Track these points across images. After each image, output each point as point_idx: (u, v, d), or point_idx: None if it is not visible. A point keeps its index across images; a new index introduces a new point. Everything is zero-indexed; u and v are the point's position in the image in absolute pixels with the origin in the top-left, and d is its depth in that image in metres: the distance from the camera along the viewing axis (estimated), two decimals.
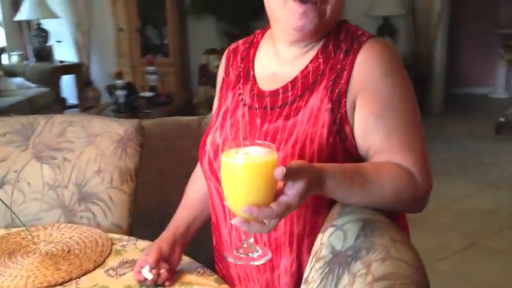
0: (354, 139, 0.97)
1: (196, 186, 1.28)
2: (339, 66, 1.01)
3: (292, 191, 0.79)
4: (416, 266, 0.71)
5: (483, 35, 6.96)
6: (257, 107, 1.07)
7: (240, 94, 1.12)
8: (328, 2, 1.00)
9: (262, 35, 1.19)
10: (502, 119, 5.15)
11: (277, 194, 0.79)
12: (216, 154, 1.08)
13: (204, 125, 2.28)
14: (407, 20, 5.97)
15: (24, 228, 1.39)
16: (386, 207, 0.91)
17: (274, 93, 1.06)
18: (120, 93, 4.13)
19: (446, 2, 5.93)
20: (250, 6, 5.91)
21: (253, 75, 1.13)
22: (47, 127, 1.64)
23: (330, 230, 0.90)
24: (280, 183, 0.80)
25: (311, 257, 0.91)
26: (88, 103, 6.48)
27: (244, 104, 1.10)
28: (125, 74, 5.97)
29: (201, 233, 1.28)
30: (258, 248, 0.84)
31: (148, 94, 4.53)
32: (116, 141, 1.59)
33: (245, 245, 0.84)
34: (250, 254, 0.84)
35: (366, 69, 0.98)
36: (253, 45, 1.19)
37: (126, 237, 1.45)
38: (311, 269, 0.92)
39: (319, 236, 0.93)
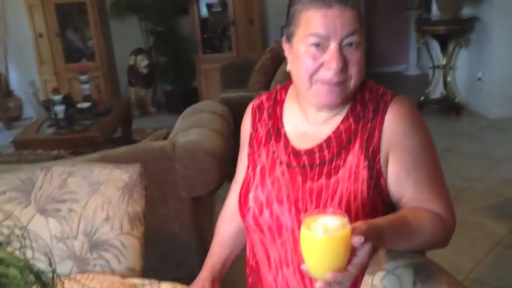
0: (387, 188, 1.11)
1: (228, 225, 1.38)
2: (369, 125, 1.13)
3: (362, 252, 0.91)
4: None
5: (394, 17, 7.41)
6: (295, 165, 1.17)
7: (274, 152, 1.21)
8: (353, 77, 1.10)
9: (285, 91, 1.28)
10: (422, 98, 5.56)
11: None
12: (260, 210, 1.18)
13: (171, 146, 2.35)
14: None
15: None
16: (425, 248, 1.07)
17: (310, 152, 1.17)
18: (59, 109, 4.03)
19: None
20: (173, 3, 5.89)
21: (285, 133, 1.22)
22: (46, 180, 1.65)
23: (381, 274, 1.04)
24: None
25: None
26: (10, 113, 6.20)
27: (281, 162, 1.19)
28: (48, 81, 5.77)
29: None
30: None
31: (85, 105, 4.44)
32: (121, 188, 1.63)
33: None
34: None
35: (395, 127, 1.11)
36: (279, 103, 1.27)
37: (146, 280, 1.51)
38: None
39: (367, 278, 1.07)
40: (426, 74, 7.45)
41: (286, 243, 1.17)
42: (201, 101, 3.44)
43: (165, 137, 3.03)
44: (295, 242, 1.14)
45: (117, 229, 1.62)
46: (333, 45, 1.07)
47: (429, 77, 5.79)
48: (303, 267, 0.94)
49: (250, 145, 1.29)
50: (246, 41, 6.14)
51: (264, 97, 1.32)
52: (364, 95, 1.17)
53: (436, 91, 5.70)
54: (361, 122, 1.14)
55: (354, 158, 1.12)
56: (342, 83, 1.10)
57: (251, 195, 1.21)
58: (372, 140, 1.12)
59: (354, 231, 0.89)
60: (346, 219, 0.91)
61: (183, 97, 6.13)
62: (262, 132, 1.27)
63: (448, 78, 5.41)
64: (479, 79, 5.15)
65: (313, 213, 0.94)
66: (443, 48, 5.35)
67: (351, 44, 1.08)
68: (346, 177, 1.11)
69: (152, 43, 6.13)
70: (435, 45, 5.48)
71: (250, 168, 1.26)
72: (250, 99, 4.30)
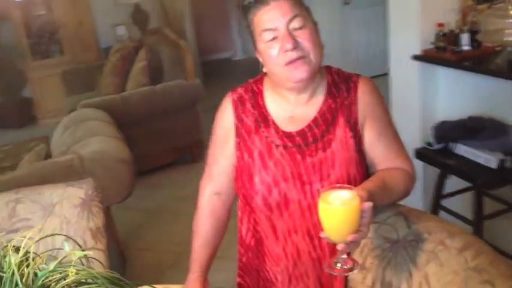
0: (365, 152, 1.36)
1: (208, 224, 1.49)
2: (346, 102, 1.35)
3: (368, 213, 1.11)
4: (469, 233, 1.16)
5: (214, 5, 7.76)
6: (291, 145, 1.34)
7: (267, 137, 1.35)
8: (310, 52, 1.29)
9: (261, 83, 1.42)
10: None
11: None
12: (269, 190, 1.32)
13: (79, 159, 2.31)
14: (155, 3, 6.26)
15: None
16: (398, 200, 1.34)
17: (301, 133, 1.34)
18: None
19: None
20: None
21: (272, 120, 1.37)
22: None
23: (374, 226, 1.28)
24: None
25: (344, 253, 1.16)
26: None
27: (277, 145, 1.34)
28: None
29: None
30: (351, 259, 1.16)
31: None
32: (79, 205, 1.62)
33: (341, 260, 1.13)
34: (345, 266, 1.14)
35: (366, 100, 1.36)
36: (258, 94, 1.41)
37: None
38: (364, 258, 1.29)
39: None
40: (252, 58, 7.94)
41: (293, 214, 1.33)
42: (78, 110, 3.30)
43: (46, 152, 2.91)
44: (302, 211, 1.32)
45: (81, 246, 1.61)
46: (281, 32, 1.27)
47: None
48: (323, 235, 1.12)
49: (239, 135, 1.40)
50: (78, 44, 5.91)
51: (241, 90, 1.44)
52: (334, 78, 1.39)
53: None
54: (339, 100, 1.36)
55: (341, 131, 1.34)
56: (301, 57, 1.26)
57: (257, 179, 1.34)
58: (352, 114, 1.35)
59: (361, 199, 1.10)
60: (355, 191, 1.11)
61: (15, 109, 5.70)
62: (249, 121, 1.39)
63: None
64: None
65: (325, 189, 1.13)
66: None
67: (299, 28, 1.29)
68: (339, 147, 1.33)
69: None
70: None
71: (246, 156, 1.37)
72: (114, 102, 4.30)
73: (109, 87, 4.47)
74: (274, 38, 1.27)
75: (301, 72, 1.28)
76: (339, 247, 1.10)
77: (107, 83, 4.50)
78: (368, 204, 1.10)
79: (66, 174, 2.29)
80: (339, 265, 1.13)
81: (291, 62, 1.27)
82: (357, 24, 5.88)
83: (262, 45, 1.30)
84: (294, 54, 1.26)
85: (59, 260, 0.81)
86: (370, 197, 1.13)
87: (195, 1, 7.23)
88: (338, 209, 1.07)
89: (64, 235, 1.23)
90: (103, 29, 6.15)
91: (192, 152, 4.35)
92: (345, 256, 1.13)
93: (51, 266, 0.81)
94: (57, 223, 1.59)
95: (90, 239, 1.62)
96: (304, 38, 1.27)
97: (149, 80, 4.19)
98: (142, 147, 3.65)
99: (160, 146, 4.13)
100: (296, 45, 1.26)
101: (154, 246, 3.22)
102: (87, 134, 2.61)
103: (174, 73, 4.31)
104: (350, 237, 1.07)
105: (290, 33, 1.26)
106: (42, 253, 0.90)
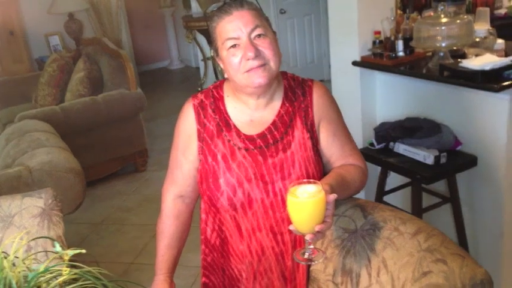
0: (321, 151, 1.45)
1: (173, 226, 1.54)
2: (303, 105, 1.44)
3: (331, 205, 1.20)
4: (419, 218, 1.28)
5: (150, 15, 7.73)
6: (253, 148, 1.40)
7: (229, 140, 1.41)
8: (270, 59, 1.37)
9: (221, 89, 1.48)
10: (199, 88, 6.05)
11: None
12: (233, 191, 1.38)
13: (27, 171, 2.28)
14: (89, 13, 6.17)
15: None
16: (354, 194, 1.44)
17: (262, 135, 1.41)
18: None
19: None
20: None
21: (234, 124, 1.43)
22: None
23: (333, 218, 1.37)
24: None
25: (311, 243, 1.24)
26: None
27: (239, 148, 1.41)
28: None
29: None
30: (317, 250, 1.24)
31: None
32: (38, 215, 1.61)
33: (308, 250, 1.22)
34: (312, 255, 1.22)
35: (321, 103, 1.45)
36: (219, 99, 1.47)
37: None
38: (325, 249, 1.38)
39: None
40: (189, 67, 8.04)
41: (257, 212, 1.40)
42: (19, 122, 3.21)
43: None
44: (265, 209, 1.40)
45: (42, 256, 1.60)
46: (244, 41, 1.35)
47: (201, 68, 6.27)
48: (291, 227, 1.20)
49: (201, 139, 1.45)
50: (9, 54, 5.71)
51: (201, 96, 1.49)
52: (290, 83, 1.48)
53: (209, 80, 6.24)
54: (296, 104, 1.45)
55: (300, 132, 1.42)
56: (262, 65, 1.33)
57: (221, 181, 1.40)
58: (308, 116, 1.44)
59: (326, 192, 1.19)
60: (320, 185, 1.19)
61: None
62: (211, 126, 1.45)
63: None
64: None
65: (293, 184, 1.20)
66: (210, 41, 5.88)
67: (259, 36, 1.36)
68: (298, 148, 1.41)
69: None
70: (202, 39, 5.98)
71: (210, 159, 1.42)
72: (54, 113, 4.22)
73: (46, 98, 4.36)
74: (235, 45, 1.34)
75: (260, 78, 1.35)
76: (307, 237, 1.18)
77: (44, 94, 4.38)
78: (332, 196, 1.19)
79: (13, 187, 2.24)
80: (306, 255, 1.21)
81: (251, 69, 1.34)
82: (292, 32, 6.08)
83: (224, 53, 1.36)
84: (255, 63, 1.33)
85: (49, 259, 0.84)
86: (332, 190, 1.23)
87: (131, 11, 7.19)
88: (306, 202, 1.16)
89: (50, 238, 1.23)
90: (35, 39, 5.98)
91: (136, 162, 4.33)
92: (312, 246, 1.21)
93: (42, 267, 0.83)
94: (17, 234, 1.57)
95: (51, 248, 1.61)
96: (264, 47, 1.35)
97: (89, 90, 4.13)
98: (84, 158, 3.58)
99: (103, 157, 4.09)
100: (257, 54, 1.33)
101: (102, 258, 3.17)
102: (32, 145, 2.56)
103: (114, 83, 4.27)
104: (317, 227, 1.16)
105: (252, 42, 1.33)
106: (28, 256, 0.92)
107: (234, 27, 1.34)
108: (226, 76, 1.42)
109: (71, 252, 0.86)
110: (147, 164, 4.39)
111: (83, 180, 2.40)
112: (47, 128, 2.95)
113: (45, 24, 5.93)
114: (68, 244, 3.42)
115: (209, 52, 5.99)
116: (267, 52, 1.35)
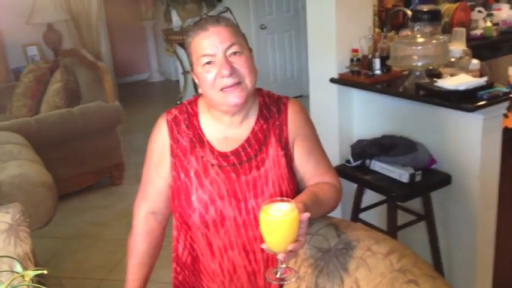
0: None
1: (144, 243, 1.50)
2: (277, 122, 1.42)
3: (304, 224, 1.19)
4: (393, 238, 1.27)
5: (130, 28, 7.70)
6: (226, 164, 1.38)
7: (202, 157, 1.39)
8: (245, 77, 1.35)
9: (195, 105, 1.46)
10: (178, 102, 6.02)
11: None
12: (205, 208, 1.36)
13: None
14: (69, 24, 6.11)
15: None
16: (328, 213, 1.43)
17: (235, 152, 1.39)
18: None
19: (100, 3, 6.33)
20: None
21: (207, 141, 1.41)
22: None
23: (307, 237, 1.36)
24: None
25: (284, 262, 1.22)
26: None
27: (212, 165, 1.38)
28: None
29: None
30: (290, 269, 1.23)
31: None
32: (5, 231, 1.57)
33: (281, 270, 1.20)
34: (284, 275, 1.20)
35: (296, 121, 1.44)
36: (193, 115, 1.44)
37: None
38: (298, 268, 1.37)
39: None
40: (169, 80, 8.02)
41: (229, 231, 1.38)
42: None
43: None
44: (238, 227, 1.37)
45: (8, 275, 1.55)
46: (219, 58, 1.33)
47: (180, 82, 6.25)
48: (264, 246, 1.18)
49: (174, 155, 1.42)
50: None
51: (175, 111, 1.47)
52: (265, 100, 1.47)
53: (188, 94, 6.22)
54: (270, 121, 1.44)
55: (274, 150, 1.41)
56: (237, 83, 1.32)
57: (194, 198, 1.37)
58: (282, 133, 1.43)
59: (299, 211, 1.17)
60: (293, 203, 1.18)
61: None
62: (184, 141, 1.42)
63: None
64: None
65: (266, 202, 1.19)
66: None
67: (234, 53, 1.34)
68: (271, 165, 1.39)
69: None
70: (183, 52, 5.97)
71: (183, 175, 1.40)
72: (27, 124, 4.15)
73: (21, 109, 4.29)
74: (210, 62, 1.32)
75: (235, 98, 1.33)
76: (280, 257, 1.17)
77: (19, 105, 4.31)
78: (306, 215, 1.18)
79: None
80: (279, 274, 1.20)
81: (227, 88, 1.33)
82: (272, 48, 6.11)
83: (199, 69, 1.35)
84: (229, 81, 1.32)
85: (10, 280, 0.80)
86: (306, 208, 1.22)
87: (112, 22, 7.15)
88: (279, 220, 1.14)
89: (11, 257, 1.19)
90: (12, 49, 5.90)
91: (112, 175, 4.28)
92: (284, 266, 1.20)
93: (3, 287, 0.79)
94: None
95: (18, 265, 1.56)
96: (240, 65, 1.33)
97: (65, 102, 4.08)
98: (58, 171, 3.53)
99: (78, 170, 4.03)
100: (232, 72, 1.32)
101: (74, 274, 3.12)
102: (3, 158, 2.51)
103: (91, 95, 4.23)
104: (290, 247, 1.14)
105: (227, 60, 1.32)
106: None
107: (209, 44, 1.32)
108: (200, 92, 1.41)
109: (31, 272, 0.83)
110: (123, 177, 4.33)
111: (55, 194, 2.35)
112: (20, 140, 2.89)
113: (23, 35, 5.86)
114: (38, 259, 3.36)
115: (189, 66, 5.98)
116: (243, 70, 1.34)
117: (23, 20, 5.66)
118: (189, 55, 1.40)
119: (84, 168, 4.05)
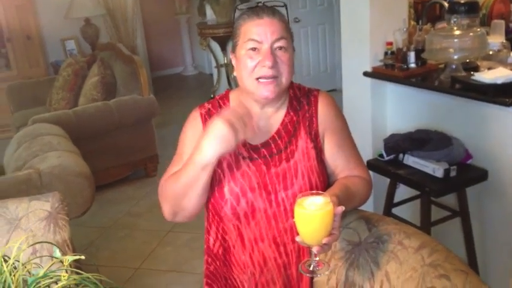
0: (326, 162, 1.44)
1: None
2: (307, 115, 1.44)
3: (338, 217, 1.19)
4: (424, 233, 1.27)
5: (165, 22, 7.79)
6: (256, 157, 1.40)
7: (234, 149, 1.41)
8: (283, 74, 1.37)
9: (227, 99, 1.49)
10: (212, 95, 6.07)
11: None
12: (237, 200, 1.38)
13: (37, 174, 2.30)
14: (105, 18, 6.23)
15: None
16: (358, 206, 1.43)
17: (266, 144, 1.41)
18: None
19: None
20: None
21: None
22: None
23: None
24: None
25: (317, 255, 1.23)
26: None
27: (244, 157, 1.41)
28: None
29: None
30: (323, 262, 1.23)
31: None
32: (45, 218, 1.62)
33: (314, 262, 1.21)
34: (317, 267, 1.21)
35: (326, 114, 1.45)
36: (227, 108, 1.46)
37: None
38: (329, 260, 1.37)
39: None
40: (203, 73, 8.09)
41: (260, 223, 1.39)
42: (32, 126, 3.24)
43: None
44: (268, 219, 1.39)
45: (48, 260, 1.61)
46: (265, 47, 1.35)
47: (214, 75, 6.29)
48: (298, 239, 1.19)
49: None
50: (25, 58, 5.79)
51: (208, 105, 1.50)
52: (295, 93, 1.48)
53: (222, 87, 6.26)
54: (300, 113, 1.45)
55: (303, 142, 1.42)
56: (274, 77, 1.34)
57: (226, 189, 1.40)
58: (312, 125, 1.44)
59: (333, 204, 1.17)
60: (328, 197, 1.18)
61: None
62: None
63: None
64: None
65: (301, 195, 1.19)
66: (223, 48, 5.92)
67: (280, 48, 1.36)
68: (301, 158, 1.40)
69: None
70: (216, 46, 6.01)
71: (216, 167, 1.40)
72: (67, 117, 4.23)
73: (60, 102, 4.41)
74: (255, 49, 1.35)
75: (268, 91, 1.35)
76: (314, 250, 1.17)
77: (58, 98, 4.43)
78: (340, 208, 1.18)
79: (22, 190, 2.26)
80: (312, 267, 1.21)
81: (264, 78, 1.34)
82: (305, 41, 6.08)
83: (242, 51, 1.36)
84: (269, 72, 1.33)
85: (49, 265, 0.84)
86: (339, 202, 1.22)
87: (146, 16, 7.25)
88: (314, 214, 1.15)
89: (51, 243, 1.24)
90: (52, 43, 6.06)
91: (146, 167, 4.35)
92: (317, 258, 1.21)
93: (41, 272, 0.83)
94: (23, 237, 1.59)
95: (57, 251, 1.62)
96: (282, 61, 1.35)
97: (102, 95, 4.17)
98: (95, 162, 3.61)
99: (114, 161, 4.11)
100: (274, 65, 1.33)
101: (109, 262, 3.19)
102: (43, 148, 2.58)
103: (127, 88, 4.31)
104: (325, 240, 1.15)
105: (272, 52, 1.34)
106: (29, 260, 0.92)
107: (260, 31, 1.34)
108: (234, 74, 1.43)
109: (70, 258, 0.86)
110: (157, 169, 4.41)
111: (92, 185, 2.41)
112: (59, 131, 2.97)
113: (62, 29, 6.01)
114: (76, 247, 3.45)
115: (222, 59, 6.03)
116: (283, 66, 1.36)
117: (61, 15, 5.81)
118: (234, 36, 1.41)
119: (119, 160, 4.14)
